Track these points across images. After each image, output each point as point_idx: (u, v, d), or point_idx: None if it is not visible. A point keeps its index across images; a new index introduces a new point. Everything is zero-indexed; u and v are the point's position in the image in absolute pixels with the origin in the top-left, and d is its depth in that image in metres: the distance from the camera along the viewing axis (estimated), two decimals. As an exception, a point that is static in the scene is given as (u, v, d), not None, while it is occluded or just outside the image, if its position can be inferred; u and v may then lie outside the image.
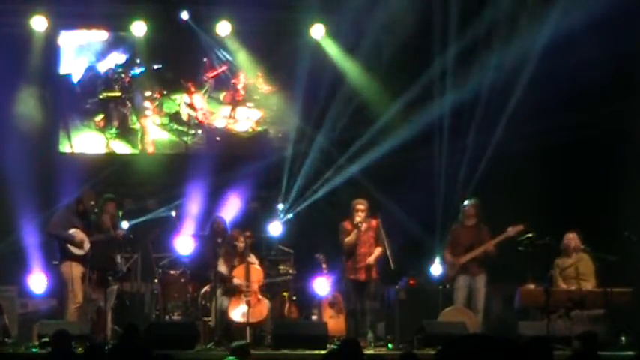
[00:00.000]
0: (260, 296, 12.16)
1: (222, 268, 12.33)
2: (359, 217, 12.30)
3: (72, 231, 12.16)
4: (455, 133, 14.54)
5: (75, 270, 12.06)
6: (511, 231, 12.45)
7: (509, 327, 12.22)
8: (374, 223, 12.41)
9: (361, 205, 12.37)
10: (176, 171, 14.88)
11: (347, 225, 12.41)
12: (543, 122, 13.71)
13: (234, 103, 15.68)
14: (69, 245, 12.12)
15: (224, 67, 15.52)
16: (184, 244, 13.54)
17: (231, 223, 13.37)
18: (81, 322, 11.72)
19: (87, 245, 12.17)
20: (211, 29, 15.24)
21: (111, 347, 10.13)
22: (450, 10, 14.33)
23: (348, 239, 12.32)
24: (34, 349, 11.33)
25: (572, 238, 12.39)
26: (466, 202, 12.88)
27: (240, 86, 15.66)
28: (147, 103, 15.51)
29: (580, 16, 13.11)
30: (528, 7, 14.05)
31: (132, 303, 13.12)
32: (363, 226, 12.30)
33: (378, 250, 12.32)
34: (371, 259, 12.27)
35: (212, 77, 15.58)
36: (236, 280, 12.23)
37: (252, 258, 12.52)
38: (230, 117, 15.66)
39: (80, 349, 9.91)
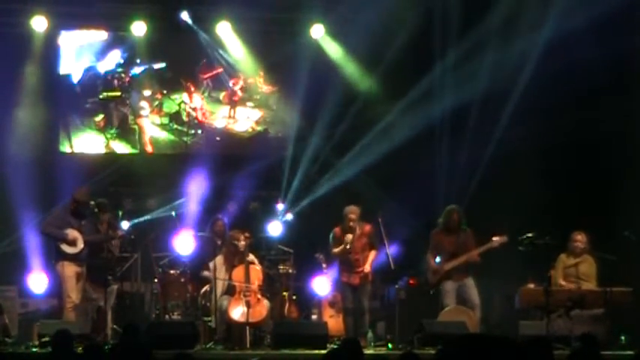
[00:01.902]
0: (260, 296, 12.15)
1: (219, 268, 12.28)
2: (349, 235, 12.24)
3: (66, 230, 12.13)
4: (455, 132, 14.54)
5: (67, 269, 12.03)
6: (495, 242, 12.38)
7: (509, 327, 12.22)
8: (367, 228, 12.40)
9: (353, 215, 12.33)
10: (176, 171, 14.87)
11: (338, 232, 12.39)
12: (543, 122, 13.72)
13: (232, 104, 15.68)
14: (61, 244, 12.09)
15: (219, 70, 15.53)
16: (184, 244, 13.54)
17: (231, 223, 13.37)
18: (81, 321, 11.71)
19: (80, 244, 12.13)
20: (211, 29, 15.25)
21: (111, 347, 10.13)
22: (451, 10, 14.34)
23: (337, 251, 12.34)
24: (34, 349, 11.33)
25: (580, 241, 12.35)
26: (448, 208, 12.73)
27: (237, 87, 15.65)
28: (143, 103, 15.51)
29: (580, 16, 13.11)
30: (529, 7, 14.04)
31: (132, 303, 13.13)
32: (356, 233, 12.30)
33: (372, 255, 12.33)
34: (367, 268, 12.29)
35: (207, 78, 15.59)
36: (206, 273, 12.29)
37: (252, 258, 12.52)
38: (230, 117, 15.68)
39: (80, 348, 9.90)
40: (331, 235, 12.44)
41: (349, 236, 12.24)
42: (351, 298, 12.35)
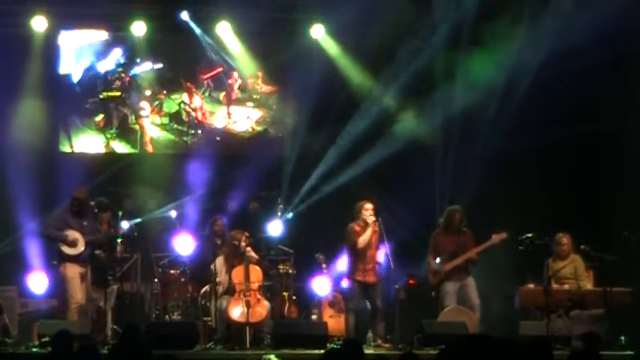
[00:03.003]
0: (259, 296, 12.16)
1: (219, 269, 12.27)
2: (372, 217, 12.24)
3: (66, 231, 12.12)
4: (455, 133, 14.55)
5: (70, 270, 12.03)
6: (495, 238, 12.41)
7: (509, 327, 12.22)
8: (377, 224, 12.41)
9: (370, 204, 12.34)
10: (176, 171, 14.88)
11: (356, 227, 12.32)
12: (543, 122, 13.73)
13: (229, 102, 15.69)
14: (61, 246, 12.09)
15: (219, 69, 15.54)
16: (184, 244, 13.54)
17: (231, 223, 13.38)
18: (81, 322, 11.72)
19: (81, 245, 12.12)
20: (211, 29, 15.26)
21: (111, 347, 10.13)
22: (453, 11, 14.35)
23: (363, 240, 12.17)
24: (34, 349, 11.33)
25: (566, 243, 12.33)
26: (450, 208, 12.76)
27: (235, 86, 15.67)
28: (143, 104, 15.51)
29: (581, 20, 13.11)
30: (530, 10, 14.05)
31: (132, 303, 13.12)
32: (375, 225, 12.27)
33: (381, 251, 12.33)
34: (381, 260, 12.25)
35: (207, 78, 15.60)
36: (234, 280, 12.23)
37: (253, 255, 12.50)
38: (228, 115, 15.67)
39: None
40: (349, 230, 12.30)
41: (372, 217, 12.18)
42: (358, 299, 12.29)
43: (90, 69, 15.40)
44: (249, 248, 12.36)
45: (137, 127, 15.53)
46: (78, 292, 12.01)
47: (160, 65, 15.48)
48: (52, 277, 13.15)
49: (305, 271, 13.71)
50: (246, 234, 12.54)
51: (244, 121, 15.75)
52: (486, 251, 12.51)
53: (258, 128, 15.79)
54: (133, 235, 13.03)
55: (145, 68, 15.48)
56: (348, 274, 12.47)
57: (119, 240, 12.60)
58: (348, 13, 14.50)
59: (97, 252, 12.28)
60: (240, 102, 15.72)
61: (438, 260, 12.47)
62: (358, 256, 12.27)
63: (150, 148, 15.54)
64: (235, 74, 15.59)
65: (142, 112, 15.49)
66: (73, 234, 12.12)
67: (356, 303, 12.31)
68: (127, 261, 13.05)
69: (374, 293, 12.30)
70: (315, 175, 14.84)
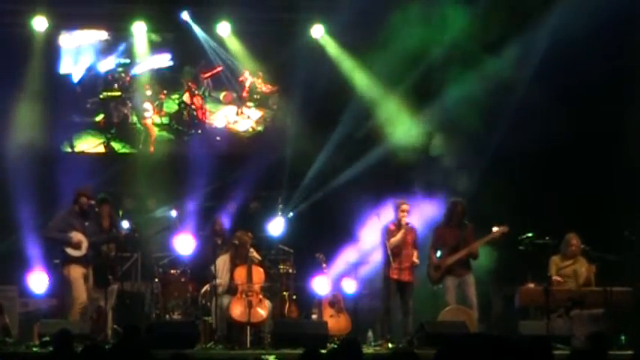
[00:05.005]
0: (261, 297, 12.17)
1: (221, 268, 12.29)
2: (406, 218, 12.24)
3: (70, 233, 12.13)
4: (455, 132, 14.55)
5: (74, 272, 12.05)
6: (496, 232, 12.42)
7: (509, 327, 12.23)
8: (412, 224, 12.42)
9: (406, 205, 12.32)
10: (176, 171, 14.89)
11: (391, 226, 12.29)
12: (543, 122, 13.73)
13: (241, 101, 15.71)
14: (66, 247, 12.10)
15: (219, 68, 15.55)
16: (184, 243, 13.54)
17: (231, 223, 13.38)
18: (81, 321, 11.72)
19: (85, 246, 12.13)
20: (211, 29, 15.28)
21: (111, 347, 10.12)
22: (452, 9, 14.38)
23: (394, 240, 12.16)
24: (34, 349, 11.32)
25: (575, 244, 12.35)
26: (451, 200, 12.78)
27: (247, 83, 15.70)
28: (146, 105, 15.53)
29: (581, 17, 13.11)
30: (530, 9, 14.06)
31: (132, 302, 13.12)
32: (407, 227, 12.27)
33: (415, 252, 12.33)
34: (416, 260, 12.25)
35: (206, 78, 15.62)
36: (237, 280, 12.26)
37: (256, 255, 12.52)
38: (238, 114, 15.68)
39: (80, 348, 9.88)
40: (385, 230, 12.26)
41: (405, 219, 12.20)
42: (393, 297, 12.26)
43: (90, 69, 15.42)
44: (252, 251, 12.38)
45: (140, 127, 15.53)
46: (82, 293, 12.04)
47: (160, 65, 15.50)
48: (52, 277, 13.17)
49: (305, 271, 13.72)
50: (250, 234, 12.56)
51: (244, 121, 15.76)
52: (487, 245, 12.51)
53: (258, 128, 15.81)
54: (133, 235, 13.03)
55: (145, 68, 15.50)
56: (383, 272, 12.39)
57: (121, 240, 12.61)
58: (348, 13, 14.51)
59: (104, 248, 12.32)
60: (245, 100, 15.75)
61: (438, 254, 12.47)
62: (393, 255, 12.20)
63: (151, 149, 15.56)
64: (246, 73, 15.63)
65: (145, 114, 15.52)
66: (76, 235, 12.13)
67: (393, 301, 12.24)
68: (127, 261, 13.05)
69: (408, 292, 12.27)
70: (315, 174, 14.84)
